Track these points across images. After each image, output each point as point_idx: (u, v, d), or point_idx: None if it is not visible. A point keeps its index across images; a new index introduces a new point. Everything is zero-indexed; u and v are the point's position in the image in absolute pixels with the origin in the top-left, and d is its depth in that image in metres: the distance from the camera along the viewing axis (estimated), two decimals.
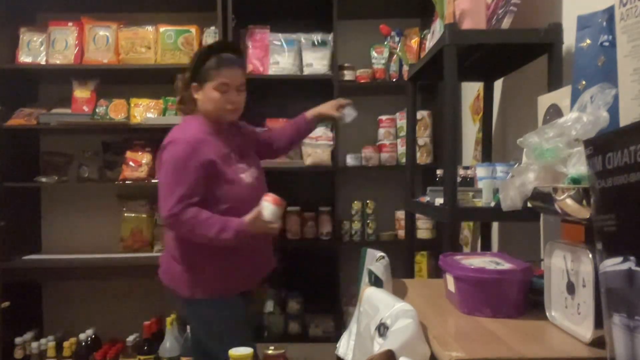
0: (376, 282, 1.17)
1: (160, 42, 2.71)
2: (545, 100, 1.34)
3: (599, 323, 0.82)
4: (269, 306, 2.69)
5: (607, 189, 0.70)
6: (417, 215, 2.41)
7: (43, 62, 2.71)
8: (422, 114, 2.77)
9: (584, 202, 0.84)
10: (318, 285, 2.73)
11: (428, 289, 1.33)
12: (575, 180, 0.91)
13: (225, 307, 1.82)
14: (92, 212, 2.97)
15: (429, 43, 2.01)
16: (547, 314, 1.00)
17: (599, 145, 0.72)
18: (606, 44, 1.10)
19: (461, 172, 1.65)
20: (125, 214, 2.84)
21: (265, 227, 1.73)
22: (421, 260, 2.75)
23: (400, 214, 2.78)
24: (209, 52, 1.85)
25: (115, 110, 2.73)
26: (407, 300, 1.01)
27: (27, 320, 2.80)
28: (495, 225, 2.06)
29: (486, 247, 1.98)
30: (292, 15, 2.83)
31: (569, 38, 1.38)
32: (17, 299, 2.67)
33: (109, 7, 2.84)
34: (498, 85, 2.02)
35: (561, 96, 1.26)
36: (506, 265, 1.10)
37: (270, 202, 1.73)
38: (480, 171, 1.60)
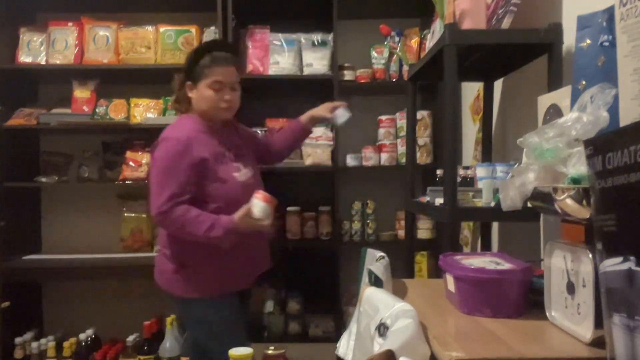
0: (376, 282, 1.17)
1: (160, 42, 2.71)
2: (545, 100, 1.34)
3: (599, 323, 0.82)
4: (269, 306, 2.69)
5: (607, 189, 0.70)
6: (417, 215, 2.41)
7: (43, 62, 2.71)
8: (422, 114, 2.77)
9: (584, 202, 0.84)
10: (318, 285, 2.73)
11: (428, 289, 1.33)
12: (575, 180, 0.91)
13: (218, 306, 1.81)
14: (92, 212, 2.97)
15: (429, 43, 2.01)
16: (547, 314, 1.00)
17: (599, 145, 0.72)
18: (606, 44, 1.10)
19: (461, 172, 1.65)
20: (125, 214, 2.85)
21: (255, 224, 1.73)
22: (421, 260, 2.76)
23: (400, 214, 2.78)
24: (202, 50, 1.86)
25: (115, 110, 2.73)
26: (407, 300, 1.01)
27: (27, 320, 2.80)
28: (495, 225, 2.06)
29: (486, 247, 1.98)
30: (292, 15, 2.83)
31: (569, 38, 1.38)
32: (17, 299, 2.67)
33: (109, 7, 2.84)
34: (498, 85, 2.02)
35: (561, 96, 1.26)
36: (506, 265, 1.10)
37: (260, 199, 1.73)
38: (480, 171, 1.60)
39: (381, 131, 2.86)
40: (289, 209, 2.74)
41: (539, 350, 0.88)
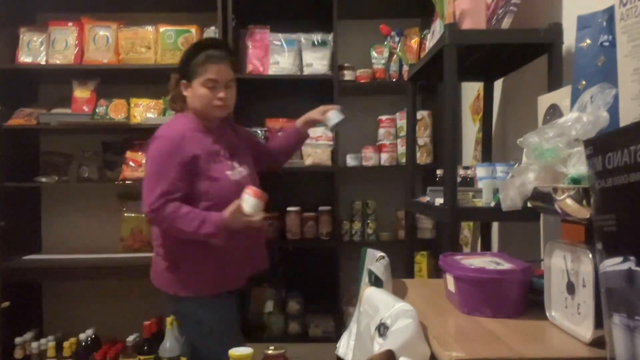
0: (376, 282, 1.17)
1: (160, 42, 2.71)
2: (545, 100, 1.34)
3: (599, 323, 0.82)
4: (269, 306, 2.69)
5: (607, 189, 0.70)
6: (417, 215, 2.41)
7: (43, 62, 2.71)
8: (422, 114, 2.77)
9: (584, 202, 0.84)
10: (318, 285, 2.73)
11: (428, 289, 1.33)
12: (575, 180, 0.91)
13: (211, 306, 1.81)
14: (92, 212, 2.97)
15: (429, 43, 2.01)
16: (547, 314, 1.00)
17: (599, 145, 0.72)
18: (606, 44, 1.10)
19: (461, 172, 1.65)
20: (125, 214, 2.84)
21: (246, 220, 1.73)
22: (421, 260, 2.75)
23: (400, 214, 2.78)
24: (196, 49, 1.86)
25: (115, 110, 2.73)
26: (407, 300, 1.01)
27: (27, 320, 2.80)
28: (495, 225, 2.06)
29: (486, 247, 1.98)
30: (292, 15, 2.83)
31: (569, 38, 1.38)
32: (17, 299, 2.67)
33: (109, 7, 2.84)
34: (498, 85, 2.02)
35: (561, 96, 1.26)
36: (506, 265, 1.10)
37: (250, 194, 1.72)
38: (480, 171, 1.59)
39: (381, 131, 2.86)
40: (289, 209, 2.74)
41: (539, 350, 0.88)
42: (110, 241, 2.85)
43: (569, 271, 0.92)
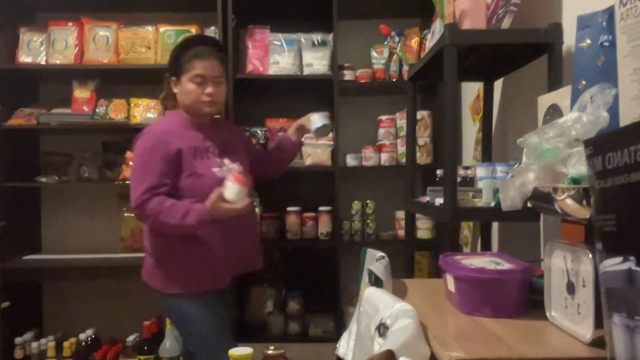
0: (376, 282, 1.17)
1: (160, 42, 2.71)
2: (545, 100, 1.34)
3: (599, 323, 0.82)
4: (269, 306, 2.69)
5: (607, 189, 0.70)
6: (417, 215, 2.41)
7: (43, 62, 2.71)
8: (422, 114, 2.76)
9: (584, 202, 0.84)
10: (318, 285, 2.73)
11: (428, 289, 1.33)
12: (575, 180, 0.91)
13: (195, 303, 1.81)
14: (92, 212, 2.97)
15: (429, 43, 2.01)
16: (547, 314, 1.00)
17: (599, 145, 0.72)
18: (606, 44, 1.10)
19: (461, 172, 1.65)
20: (125, 214, 2.84)
21: (229, 208, 1.71)
22: (421, 260, 2.75)
23: (400, 214, 2.78)
24: (184, 45, 1.87)
25: (115, 110, 2.73)
26: (407, 300, 1.01)
27: (27, 320, 2.80)
28: (495, 225, 2.06)
29: (486, 247, 1.98)
30: (292, 15, 2.83)
31: (569, 38, 1.38)
32: (17, 299, 2.67)
33: (109, 7, 2.84)
34: (498, 85, 2.01)
35: (561, 96, 1.26)
36: (506, 265, 1.10)
37: (233, 181, 1.70)
38: (480, 171, 1.59)
39: (381, 131, 2.85)
40: (289, 209, 2.74)
41: (539, 350, 0.88)
42: (110, 241, 2.85)
43: (569, 271, 0.92)
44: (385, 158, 2.81)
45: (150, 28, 2.73)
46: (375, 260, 1.23)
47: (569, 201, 0.87)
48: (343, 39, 2.79)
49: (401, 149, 2.76)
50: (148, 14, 2.86)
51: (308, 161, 2.68)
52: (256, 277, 2.67)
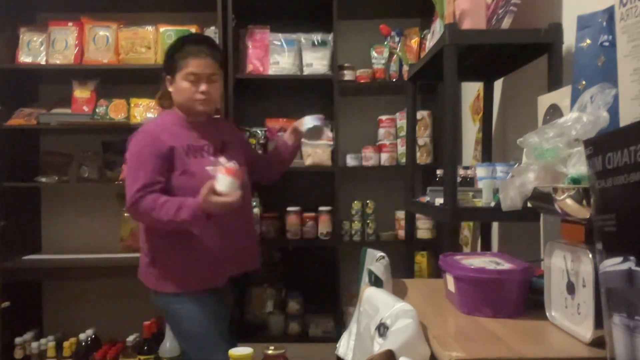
0: (376, 282, 1.17)
1: (160, 42, 2.71)
2: (545, 100, 1.34)
3: (599, 323, 0.82)
4: (269, 306, 2.69)
5: (607, 189, 0.70)
6: (417, 215, 2.41)
7: (43, 62, 2.71)
8: (422, 114, 2.76)
9: (584, 202, 0.84)
10: (318, 285, 2.73)
11: (428, 289, 1.33)
12: (575, 180, 0.91)
13: (189, 302, 1.81)
14: (92, 212, 2.97)
15: (429, 43, 2.01)
16: (547, 314, 1.00)
17: (599, 145, 0.72)
18: (606, 44, 1.10)
19: (461, 172, 1.65)
20: (125, 214, 2.83)
21: (221, 201, 1.67)
22: (421, 260, 2.75)
23: (400, 214, 2.78)
24: (178, 44, 1.88)
25: (115, 110, 2.73)
26: (407, 300, 1.01)
27: (27, 320, 2.80)
28: (495, 225, 2.06)
29: (486, 247, 1.98)
30: (292, 15, 2.83)
31: (569, 38, 1.38)
32: (17, 299, 2.67)
33: (109, 7, 2.84)
34: (498, 85, 2.02)
35: (561, 96, 1.26)
36: (506, 265, 1.10)
37: (224, 173, 1.66)
38: (480, 171, 1.59)
39: (381, 131, 2.85)
40: (289, 209, 2.74)
41: (539, 350, 0.88)
42: (110, 241, 2.85)
43: (569, 271, 0.92)
44: (385, 158, 2.81)
45: (150, 28, 2.73)
46: (375, 260, 1.23)
47: (569, 201, 0.87)
48: (343, 39, 2.79)
49: (401, 149, 2.76)
50: (148, 14, 2.86)
51: (308, 161, 2.68)
52: (256, 277, 2.67)
